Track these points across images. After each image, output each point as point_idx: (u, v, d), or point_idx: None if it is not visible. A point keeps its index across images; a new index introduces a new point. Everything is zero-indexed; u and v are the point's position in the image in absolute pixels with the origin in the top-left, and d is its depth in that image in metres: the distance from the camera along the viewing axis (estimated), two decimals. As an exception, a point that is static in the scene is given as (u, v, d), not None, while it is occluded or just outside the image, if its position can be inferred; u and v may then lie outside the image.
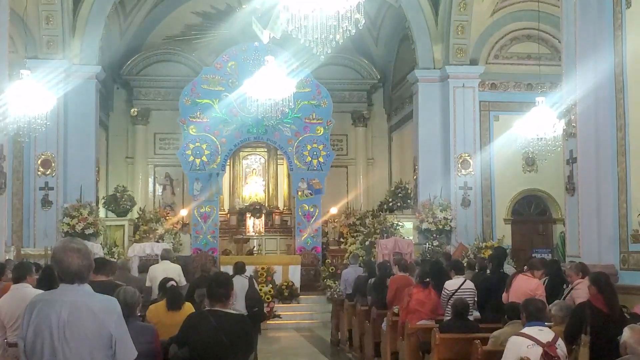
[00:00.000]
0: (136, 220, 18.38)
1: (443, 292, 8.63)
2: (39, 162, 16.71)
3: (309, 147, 18.80)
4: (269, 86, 12.71)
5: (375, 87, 23.46)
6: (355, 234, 18.18)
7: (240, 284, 9.52)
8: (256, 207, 21.55)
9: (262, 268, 16.48)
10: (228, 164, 20.51)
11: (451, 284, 8.66)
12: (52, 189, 16.63)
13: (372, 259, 15.36)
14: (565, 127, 11.58)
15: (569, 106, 11.41)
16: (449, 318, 7.87)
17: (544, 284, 8.45)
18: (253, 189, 22.67)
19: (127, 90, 22.61)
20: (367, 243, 17.16)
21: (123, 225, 18.15)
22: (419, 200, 18.10)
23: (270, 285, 16.19)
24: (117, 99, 22.64)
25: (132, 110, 22.22)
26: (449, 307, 8.02)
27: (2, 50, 11.65)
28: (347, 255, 17.20)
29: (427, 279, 8.78)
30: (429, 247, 17.18)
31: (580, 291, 7.55)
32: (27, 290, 5.78)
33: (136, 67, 22.04)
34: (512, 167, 17.92)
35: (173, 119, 19.57)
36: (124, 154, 22.51)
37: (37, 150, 16.68)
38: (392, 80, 22.67)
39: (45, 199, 16.62)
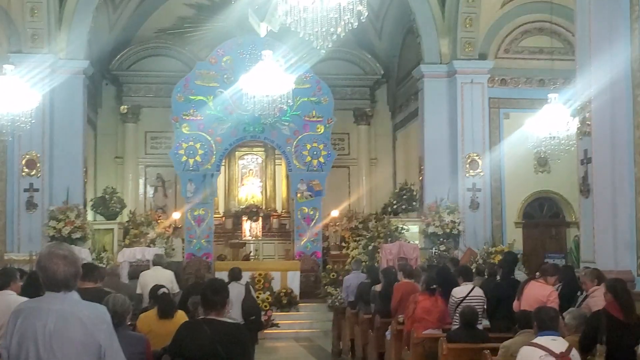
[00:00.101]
0: (126, 224, 18.38)
1: (450, 299, 8.65)
2: (23, 162, 16.68)
3: (308, 146, 18.78)
4: (267, 82, 12.67)
5: (379, 83, 23.48)
6: (357, 238, 18.19)
7: (236, 291, 9.53)
8: (253, 209, 21.55)
9: (260, 274, 16.49)
10: (223, 164, 20.50)
11: (459, 291, 8.69)
12: (37, 190, 16.61)
13: (376, 264, 15.37)
14: (579, 126, 11.57)
15: (584, 103, 11.40)
16: (456, 327, 7.89)
17: (557, 290, 8.46)
18: (250, 191, 22.71)
19: (116, 86, 22.65)
20: (370, 248, 17.17)
21: (112, 229, 18.13)
22: (424, 203, 18.09)
23: (268, 293, 16.20)
24: (106, 95, 22.67)
25: (122, 107, 22.26)
26: (457, 315, 8.04)
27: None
28: (349, 260, 17.19)
29: (434, 286, 8.79)
30: (435, 252, 17.18)
31: (597, 299, 7.55)
32: (11, 298, 5.79)
33: (126, 61, 22.08)
34: (523, 168, 17.89)
35: (165, 117, 19.57)
36: (113, 153, 22.54)
37: (21, 150, 16.65)
38: (396, 75, 22.70)
39: (30, 201, 16.60)
